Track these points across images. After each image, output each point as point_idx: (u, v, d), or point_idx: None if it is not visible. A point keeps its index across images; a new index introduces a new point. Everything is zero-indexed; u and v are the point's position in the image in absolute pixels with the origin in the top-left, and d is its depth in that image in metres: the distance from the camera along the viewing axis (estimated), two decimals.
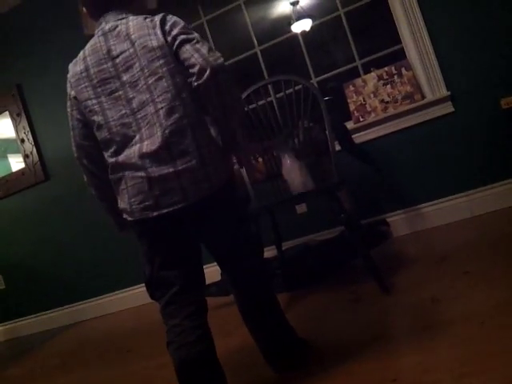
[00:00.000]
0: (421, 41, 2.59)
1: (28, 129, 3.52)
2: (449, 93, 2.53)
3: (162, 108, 1.13)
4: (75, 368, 2.22)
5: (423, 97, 2.62)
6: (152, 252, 1.21)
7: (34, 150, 3.51)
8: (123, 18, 1.21)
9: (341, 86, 2.83)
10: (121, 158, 1.15)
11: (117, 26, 1.20)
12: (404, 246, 2.46)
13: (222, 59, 1.12)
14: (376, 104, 2.72)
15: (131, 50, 1.16)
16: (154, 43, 1.14)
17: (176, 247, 1.20)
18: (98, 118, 1.18)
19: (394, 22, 2.71)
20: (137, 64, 1.15)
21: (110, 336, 2.72)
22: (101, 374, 1.98)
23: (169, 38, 1.15)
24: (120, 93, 1.17)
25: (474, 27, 2.48)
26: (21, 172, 3.59)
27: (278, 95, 2.97)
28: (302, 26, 3.35)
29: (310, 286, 2.20)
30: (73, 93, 1.23)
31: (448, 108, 2.55)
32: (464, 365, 1.07)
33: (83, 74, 1.20)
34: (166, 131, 1.11)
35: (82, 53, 1.24)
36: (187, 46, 1.12)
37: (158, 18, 1.17)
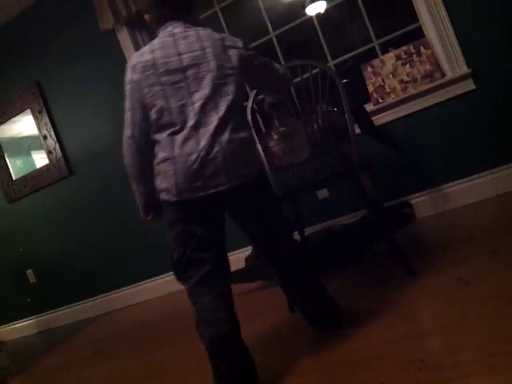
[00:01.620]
0: (439, 18, 2.53)
1: (50, 125, 3.58)
2: (469, 70, 2.48)
3: (221, 105, 1.30)
4: (108, 357, 2.28)
5: (443, 75, 2.57)
6: (187, 233, 1.31)
7: (57, 145, 3.57)
8: (190, 27, 1.40)
9: (358, 67, 2.79)
10: (176, 140, 1.28)
11: (186, 31, 1.38)
12: (428, 228, 2.44)
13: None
14: (395, 84, 2.68)
15: (200, 52, 1.34)
16: (226, 54, 1.36)
17: (211, 229, 1.32)
18: (160, 102, 1.30)
19: (410, 0, 2.65)
20: (204, 65, 1.33)
21: (139, 325, 2.78)
22: (134, 362, 2.04)
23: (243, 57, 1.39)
24: (182, 84, 1.31)
25: (494, 1, 2.41)
26: (45, 168, 3.66)
27: (295, 80, 2.94)
28: (316, 8, 3.30)
29: (334, 271, 2.21)
30: (136, 77, 1.34)
31: (469, 85, 2.50)
32: (494, 343, 1.06)
33: (149, 63, 1.33)
34: (221, 124, 1.28)
35: (148, 47, 1.38)
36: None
37: (230, 40, 1.40)
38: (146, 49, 1.37)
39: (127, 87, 1.36)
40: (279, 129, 1.72)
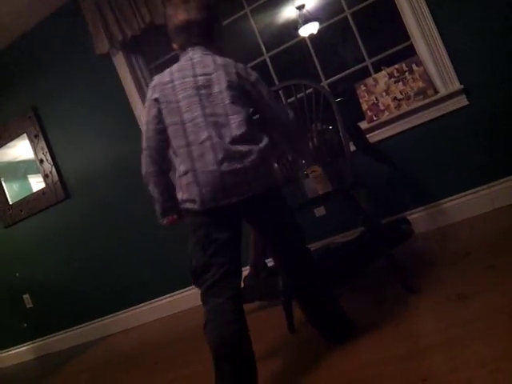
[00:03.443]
0: (429, 35, 2.57)
1: (46, 149, 3.59)
2: (462, 86, 2.50)
3: (233, 122, 1.39)
4: (106, 382, 2.24)
5: (436, 92, 2.60)
6: (208, 240, 1.37)
7: (54, 169, 3.57)
8: (208, 54, 1.51)
9: (352, 87, 2.82)
10: (193, 153, 1.37)
11: (203, 57, 1.49)
12: (426, 243, 2.43)
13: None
14: (389, 102, 2.71)
15: (214, 75, 1.45)
16: (237, 82, 1.46)
17: (231, 236, 1.40)
18: (176, 117, 1.41)
19: (401, 19, 2.70)
20: (216, 86, 1.43)
21: (137, 349, 2.74)
22: None
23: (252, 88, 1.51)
24: (195, 99, 1.41)
25: (483, 17, 2.45)
26: (42, 192, 3.66)
27: (289, 100, 2.97)
28: (309, 29, 3.36)
29: (333, 289, 2.19)
30: (155, 96, 1.46)
31: (462, 101, 2.53)
32: (496, 360, 1.05)
33: (169, 85, 1.46)
34: (237, 136, 1.37)
35: (168, 70, 1.51)
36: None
37: (243, 69, 1.51)
38: (166, 72, 1.51)
39: (146, 104, 1.50)
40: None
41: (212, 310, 1.33)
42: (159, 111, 1.44)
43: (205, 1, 1.56)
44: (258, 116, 1.58)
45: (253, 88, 1.50)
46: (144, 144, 1.48)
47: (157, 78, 1.52)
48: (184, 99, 1.41)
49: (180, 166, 1.39)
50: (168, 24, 1.58)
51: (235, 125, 1.38)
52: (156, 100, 1.45)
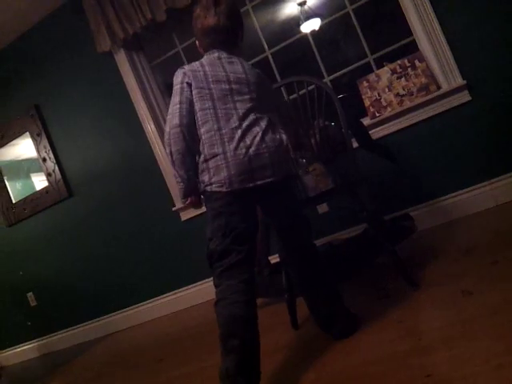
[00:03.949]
0: (432, 31, 2.56)
1: (49, 147, 3.59)
2: (464, 81, 2.50)
3: (260, 117, 1.50)
4: (110, 380, 2.25)
5: (439, 87, 2.59)
6: (229, 227, 1.42)
7: (56, 167, 3.58)
8: (235, 56, 1.60)
9: (354, 83, 2.81)
10: (224, 137, 1.44)
11: (231, 58, 1.58)
12: (429, 240, 2.43)
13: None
14: (391, 98, 2.70)
15: (243, 76, 1.55)
16: (263, 84, 1.62)
17: (250, 225, 1.47)
18: (208, 103, 1.48)
19: (403, 15, 2.69)
20: (245, 85, 1.53)
21: (141, 346, 2.75)
22: None
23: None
24: (227, 93, 1.50)
25: (486, 12, 2.44)
26: (45, 190, 3.66)
27: (291, 97, 2.96)
28: (311, 25, 3.35)
29: (336, 285, 2.19)
30: (187, 80, 1.51)
31: (465, 97, 2.52)
32: (501, 355, 1.05)
33: (200, 73, 1.52)
34: (263, 128, 1.48)
35: (198, 62, 1.58)
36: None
37: (265, 78, 1.68)
38: (196, 63, 1.57)
39: (177, 86, 1.52)
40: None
41: (225, 290, 1.37)
42: (191, 94, 1.50)
43: (234, 6, 1.63)
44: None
45: (269, 88, 1.68)
46: (176, 120, 1.48)
47: (187, 67, 1.56)
48: (216, 88, 1.49)
49: (208, 150, 1.44)
50: (195, 23, 1.62)
51: (262, 119, 1.49)
52: (188, 84, 1.51)
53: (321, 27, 3.26)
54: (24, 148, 3.77)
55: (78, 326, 3.68)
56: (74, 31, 3.41)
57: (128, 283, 3.46)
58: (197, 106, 1.49)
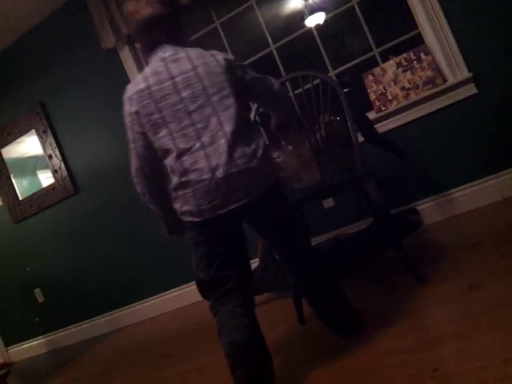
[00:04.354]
0: (438, 24, 2.54)
1: (55, 144, 3.60)
2: (471, 74, 2.48)
3: (225, 120, 1.31)
4: (117, 375, 2.26)
5: (445, 80, 2.57)
6: (211, 252, 1.34)
7: (62, 164, 3.59)
8: (180, 49, 1.41)
9: (358, 77, 2.80)
10: (186, 164, 1.29)
11: (175, 54, 1.39)
12: (436, 234, 2.42)
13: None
14: (397, 92, 2.69)
15: (192, 73, 1.35)
16: (219, 69, 1.36)
17: (233, 247, 1.37)
18: (162, 130, 1.33)
19: (408, 8, 2.66)
20: (198, 84, 1.33)
21: (147, 342, 2.76)
22: (142, 380, 2.02)
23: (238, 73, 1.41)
24: (180, 106, 1.32)
25: (491, 4, 2.42)
26: (51, 187, 3.68)
27: (296, 91, 2.96)
28: (315, 19, 3.33)
29: (342, 281, 2.18)
30: (134, 109, 1.36)
31: (471, 90, 2.50)
32: (507, 350, 1.05)
33: (145, 92, 1.35)
34: (229, 139, 1.29)
35: (141, 75, 1.40)
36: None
37: (219, 53, 1.42)
38: (139, 78, 1.40)
39: (127, 119, 1.39)
40: (286, 149, 1.72)
41: (223, 318, 1.32)
42: (142, 126, 1.35)
43: None
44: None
45: (232, 69, 1.40)
46: (134, 163, 1.40)
47: (130, 88, 1.40)
48: (167, 109, 1.32)
49: (173, 178, 1.33)
50: (129, 22, 1.46)
51: (227, 125, 1.30)
52: (136, 113, 1.35)
53: (325, 21, 3.24)
54: (30, 145, 3.78)
55: (85, 321, 3.70)
56: (78, 28, 3.41)
57: (134, 279, 3.47)
58: (151, 137, 1.34)
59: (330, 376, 1.31)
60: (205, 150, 1.29)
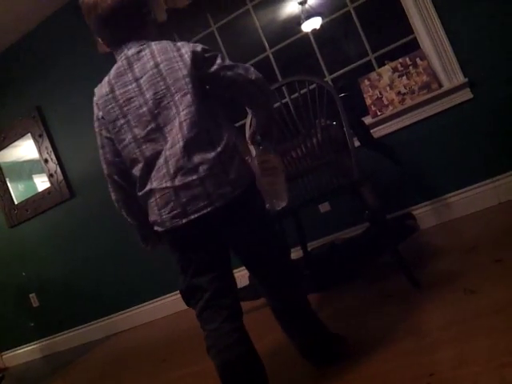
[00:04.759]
0: (433, 29, 2.55)
1: (51, 149, 3.60)
2: (466, 79, 2.49)
3: (185, 120, 1.19)
4: (114, 380, 2.25)
5: (440, 85, 2.58)
6: (184, 260, 1.25)
7: (58, 168, 3.58)
8: (144, 44, 1.29)
9: (353, 82, 2.81)
10: (151, 171, 1.21)
11: (140, 51, 1.28)
12: (432, 238, 2.42)
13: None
14: (393, 97, 2.69)
15: (155, 70, 1.24)
16: (181, 64, 1.23)
17: (206, 253, 1.23)
18: (127, 136, 1.24)
19: (404, 13, 2.68)
20: (161, 83, 1.23)
21: (144, 347, 2.75)
22: None
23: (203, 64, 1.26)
24: (144, 109, 1.23)
25: (487, 9, 2.43)
26: (47, 191, 3.67)
27: (292, 96, 2.96)
28: (311, 24, 3.34)
29: (339, 286, 2.18)
30: (100, 114, 1.30)
31: (467, 95, 2.51)
32: (503, 355, 1.05)
33: (109, 96, 1.27)
34: (188, 141, 1.17)
35: (106, 77, 1.32)
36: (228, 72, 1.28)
37: (185, 45, 1.28)
38: (104, 81, 1.32)
39: (95, 124, 1.33)
40: (261, 157, 1.45)
41: (211, 336, 1.21)
42: (109, 131, 1.29)
43: None
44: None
45: (201, 59, 1.26)
46: (105, 171, 1.34)
47: (96, 91, 1.33)
48: (131, 113, 1.24)
49: (140, 187, 1.24)
50: (90, 16, 1.31)
51: (185, 126, 1.18)
52: (103, 118, 1.29)
53: (322, 26, 3.25)
54: (26, 149, 3.77)
55: (81, 326, 3.69)
56: (75, 32, 3.40)
57: (131, 283, 3.46)
58: (117, 145, 1.27)
59: (325, 380, 1.31)
60: (166, 155, 1.19)
